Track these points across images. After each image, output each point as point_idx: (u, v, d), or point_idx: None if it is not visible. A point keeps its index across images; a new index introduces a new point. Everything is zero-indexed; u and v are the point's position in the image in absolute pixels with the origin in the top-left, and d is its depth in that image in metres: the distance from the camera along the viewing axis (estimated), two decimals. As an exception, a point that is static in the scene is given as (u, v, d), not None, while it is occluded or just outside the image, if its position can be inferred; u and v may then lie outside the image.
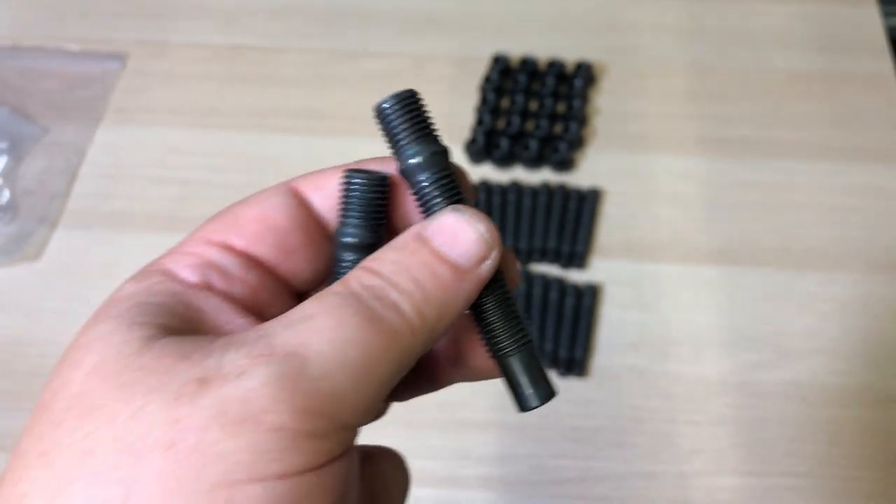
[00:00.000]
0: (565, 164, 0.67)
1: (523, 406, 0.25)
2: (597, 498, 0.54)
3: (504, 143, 0.67)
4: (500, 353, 0.25)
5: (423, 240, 0.23)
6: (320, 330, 0.20)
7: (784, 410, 0.56)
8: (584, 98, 0.71)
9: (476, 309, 0.25)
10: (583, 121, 0.69)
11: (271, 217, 0.24)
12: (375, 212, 0.25)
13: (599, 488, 0.54)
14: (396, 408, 0.58)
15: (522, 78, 0.71)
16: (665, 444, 0.55)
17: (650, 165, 0.68)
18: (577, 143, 0.68)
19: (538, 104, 0.71)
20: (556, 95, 0.71)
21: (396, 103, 0.24)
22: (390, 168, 0.25)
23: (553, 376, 0.58)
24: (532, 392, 0.25)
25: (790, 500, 0.53)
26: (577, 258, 0.63)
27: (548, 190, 0.65)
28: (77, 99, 0.73)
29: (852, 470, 0.54)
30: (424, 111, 0.25)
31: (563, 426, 0.56)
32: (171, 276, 0.23)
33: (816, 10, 0.79)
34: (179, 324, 0.21)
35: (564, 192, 0.66)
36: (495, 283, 0.24)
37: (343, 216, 0.25)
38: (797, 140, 0.70)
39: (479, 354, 0.26)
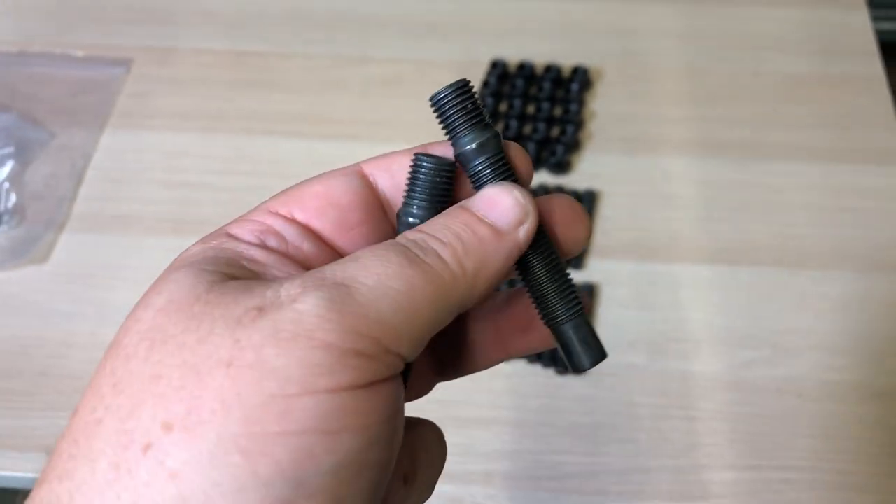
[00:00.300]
0: (562, 167, 0.68)
1: (577, 369, 0.27)
2: (596, 493, 0.55)
3: (503, 145, 0.68)
4: (553, 321, 0.26)
5: (464, 207, 0.25)
6: (366, 266, 0.22)
7: (780, 406, 0.58)
8: (581, 102, 0.72)
9: (527, 280, 0.26)
10: (579, 124, 0.71)
11: (334, 194, 0.26)
12: (440, 195, 0.26)
13: (599, 483, 0.55)
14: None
15: (520, 82, 0.73)
16: (663, 439, 0.56)
17: (646, 167, 0.70)
18: (574, 145, 0.70)
19: (535, 108, 0.72)
20: (552, 99, 0.72)
21: (451, 93, 0.26)
22: (450, 151, 0.27)
23: (552, 374, 0.59)
24: (585, 356, 0.26)
25: (786, 493, 0.54)
26: (574, 259, 0.64)
27: (545, 192, 0.67)
28: (83, 104, 0.74)
29: (847, 464, 0.55)
30: (476, 99, 0.26)
31: (563, 422, 0.57)
32: (233, 237, 0.25)
33: (809, 15, 0.81)
34: (244, 273, 0.23)
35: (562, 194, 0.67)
36: (543, 253, 0.26)
37: (408, 197, 0.26)
38: (792, 142, 0.71)
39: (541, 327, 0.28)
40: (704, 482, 0.55)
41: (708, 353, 0.60)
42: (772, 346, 0.60)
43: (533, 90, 0.74)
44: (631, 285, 0.63)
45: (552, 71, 0.74)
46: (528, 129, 0.71)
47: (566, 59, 0.76)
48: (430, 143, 0.27)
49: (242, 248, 0.24)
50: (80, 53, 0.78)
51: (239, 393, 0.19)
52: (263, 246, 0.25)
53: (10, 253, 0.65)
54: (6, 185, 0.68)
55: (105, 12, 0.82)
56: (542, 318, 0.27)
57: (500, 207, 0.25)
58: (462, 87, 0.26)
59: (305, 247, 0.25)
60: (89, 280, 0.64)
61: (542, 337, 0.27)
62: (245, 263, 0.24)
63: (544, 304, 0.26)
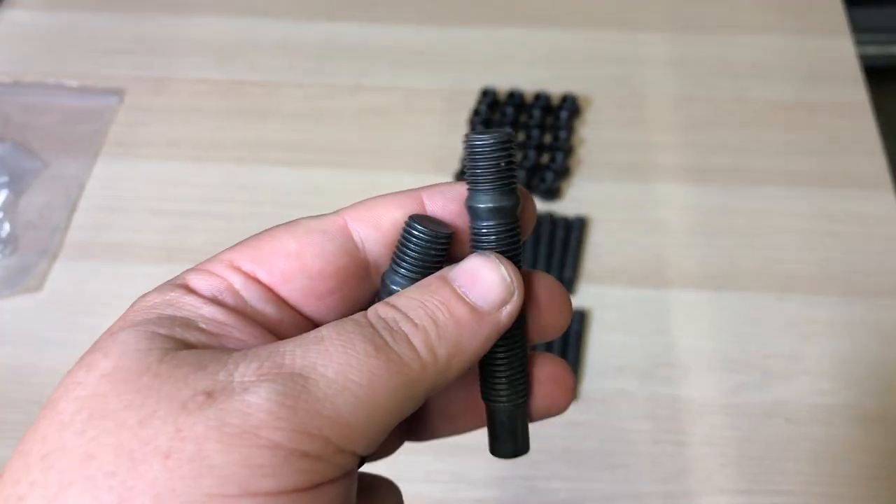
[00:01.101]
0: (552, 194, 0.69)
1: (494, 452, 0.26)
2: (588, 518, 0.55)
3: (493, 173, 0.69)
4: (492, 400, 0.25)
5: (445, 280, 0.23)
6: (328, 353, 0.20)
7: (769, 430, 0.58)
8: (570, 129, 0.73)
9: (489, 354, 0.24)
10: (569, 151, 0.72)
11: (306, 258, 0.24)
12: (431, 267, 0.24)
13: (590, 509, 0.55)
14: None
15: (510, 110, 0.74)
16: (653, 464, 0.57)
17: (635, 194, 0.71)
18: (564, 172, 0.71)
19: (525, 135, 0.73)
20: (542, 127, 0.73)
21: (490, 144, 0.24)
22: (458, 199, 0.25)
23: (543, 399, 0.60)
24: (506, 444, 0.26)
25: (776, 517, 0.55)
26: (564, 284, 0.64)
27: (536, 218, 0.67)
28: (76, 133, 0.75)
29: (835, 487, 0.56)
30: (513, 158, 0.24)
31: (554, 448, 0.58)
32: (192, 292, 0.23)
33: (793, 42, 0.82)
34: (200, 338, 0.22)
35: (552, 220, 0.68)
36: (513, 332, 0.24)
37: (395, 263, 0.24)
38: (778, 167, 0.72)
39: (541, 385, 0.27)
40: (695, 507, 0.55)
41: (697, 378, 0.60)
42: (760, 370, 0.61)
43: (523, 118, 0.75)
44: (620, 310, 0.64)
45: (542, 99, 0.75)
46: (518, 156, 0.72)
47: (555, 88, 0.77)
48: (434, 186, 0.25)
49: (201, 306, 0.23)
50: (73, 83, 0.79)
51: (174, 488, 0.18)
52: (223, 304, 0.23)
53: (4, 282, 0.65)
54: (0, 214, 0.68)
55: (98, 43, 0.83)
56: (482, 392, 0.25)
57: (484, 284, 0.23)
58: (504, 141, 0.24)
59: (268, 310, 0.24)
60: (83, 308, 0.65)
61: (531, 412, 0.27)
62: (203, 325, 0.22)
63: (492, 382, 0.25)
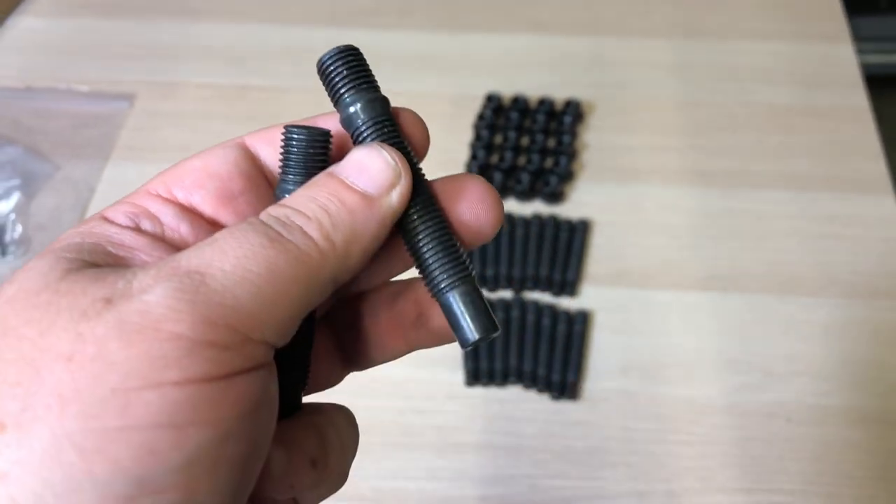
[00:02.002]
0: (556, 197, 0.70)
1: (462, 342, 0.24)
2: (590, 516, 0.56)
3: (497, 177, 0.70)
4: (437, 290, 0.24)
5: (332, 174, 0.24)
6: (222, 250, 0.21)
7: (770, 430, 0.59)
8: (573, 134, 0.74)
9: (410, 248, 0.25)
10: (572, 155, 0.73)
11: (212, 165, 0.25)
12: (316, 168, 0.24)
13: (592, 507, 0.56)
14: (396, 431, 0.60)
15: (514, 115, 0.75)
16: (655, 463, 0.58)
17: (637, 197, 0.72)
18: (567, 176, 0.71)
19: (529, 140, 0.74)
20: (546, 132, 0.74)
21: (337, 56, 0.25)
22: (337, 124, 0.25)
23: (546, 400, 0.60)
24: (469, 326, 0.24)
25: (776, 516, 0.55)
26: (568, 286, 0.65)
27: (539, 221, 0.68)
28: (87, 137, 0.76)
29: (835, 486, 0.56)
30: (365, 64, 0.25)
31: (556, 447, 0.59)
32: (107, 220, 0.24)
33: (795, 47, 0.83)
34: (107, 260, 0.22)
35: (555, 223, 0.68)
36: (427, 218, 0.24)
37: (283, 172, 0.25)
38: (779, 171, 0.73)
39: (434, 318, 0.26)
40: (696, 505, 0.56)
41: (699, 379, 0.61)
42: (761, 371, 0.61)
43: (527, 123, 0.76)
44: (623, 312, 0.65)
45: (545, 104, 0.76)
46: (522, 160, 0.73)
47: (559, 93, 0.78)
48: (313, 117, 0.26)
49: (112, 231, 0.23)
50: (84, 88, 0.80)
51: (77, 388, 0.18)
52: (137, 229, 0.23)
53: (16, 283, 0.66)
54: (12, 216, 0.69)
55: (109, 49, 0.85)
56: (429, 290, 0.25)
57: (369, 171, 0.23)
58: (349, 50, 0.25)
59: (183, 229, 0.24)
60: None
61: (437, 328, 0.26)
62: (111, 249, 0.23)
63: (428, 273, 0.24)
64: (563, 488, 0.57)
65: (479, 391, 0.61)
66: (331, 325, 0.28)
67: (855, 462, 0.57)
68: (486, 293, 0.66)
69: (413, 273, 0.27)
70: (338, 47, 0.25)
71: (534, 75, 0.81)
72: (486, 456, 0.58)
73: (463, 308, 0.24)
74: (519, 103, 0.76)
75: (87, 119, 0.78)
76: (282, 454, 0.23)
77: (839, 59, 0.82)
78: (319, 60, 0.25)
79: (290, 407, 0.25)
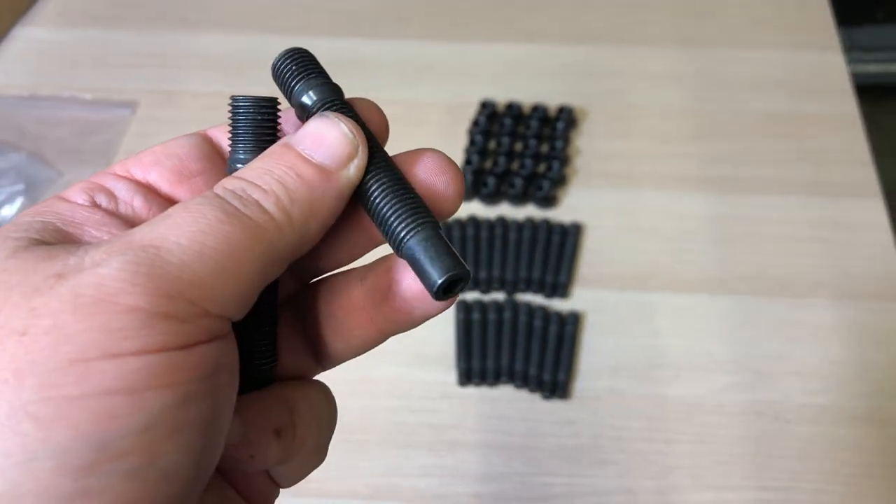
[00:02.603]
0: (548, 201, 0.71)
1: (429, 287, 0.23)
2: (580, 513, 0.57)
3: (491, 181, 0.71)
4: (400, 243, 0.23)
5: (288, 146, 0.23)
6: (178, 225, 0.20)
7: (758, 428, 0.60)
8: (566, 139, 0.75)
9: (365, 206, 0.24)
10: (564, 160, 0.74)
11: (172, 146, 0.25)
12: (265, 136, 0.24)
13: (584, 503, 0.57)
14: (391, 429, 0.61)
15: (508, 121, 0.76)
16: (644, 461, 0.58)
17: (629, 201, 0.73)
18: (560, 181, 0.73)
19: (523, 145, 0.75)
20: (539, 137, 0.75)
21: (287, 56, 0.25)
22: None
23: (538, 399, 0.61)
24: (432, 268, 0.23)
25: (764, 513, 0.56)
26: (560, 288, 0.66)
27: (532, 225, 0.69)
28: (90, 144, 0.78)
29: (822, 484, 0.57)
30: (314, 61, 0.25)
31: (547, 445, 0.59)
32: (62, 199, 0.24)
33: (786, 56, 0.84)
34: (59, 238, 0.22)
35: (548, 227, 0.70)
36: (379, 174, 0.24)
37: (232, 143, 0.24)
38: (770, 177, 0.74)
39: (405, 280, 0.25)
40: (685, 502, 0.57)
41: (688, 379, 0.62)
42: (750, 370, 0.62)
43: (521, 129, 0.77)
44: (614, 314, 0.66)
45: (539, 110, 0.77)
46: (515, 165, 0.74)
47: (552, 100, 0.80)
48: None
49: (64, 209, 0.23)
50: (87, 96, 0.82)
51: (33, 360, 0.18)
52: (91, 205, 0.23)
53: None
54: (15, 220, 0.71)
55: (111, 58, 0.86)
56: (394, 249, 0.24)
57: (327, 143, 0.23)
58: (298, 50, 0.25)
59: (137, 203, 0.24)
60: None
61: (408, 298, 0.25)
62: (61, 226, 0.22)
63: (389, 230, 0.23)
64: (554, 485, 0.58)
65: (472, 391, 0.62)
66: (296, 313, 0.27)
67: (843, 460, 0.58)
68: (479, 295, 0.67)
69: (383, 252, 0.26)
70: (287, 49, 0.25)
71: (528, 83, 0.82)
72: (479, 454, 0.59)
73: (425, 252, 0.23)
74: (513, 109, 0.78)
75: (91, 126, 0.79)
76: (237, 420, 0.23)
77: (830, 68, 0.83)
78: (272, 65, 0.25)
79: (258, 381, 0.25)
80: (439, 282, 0.22)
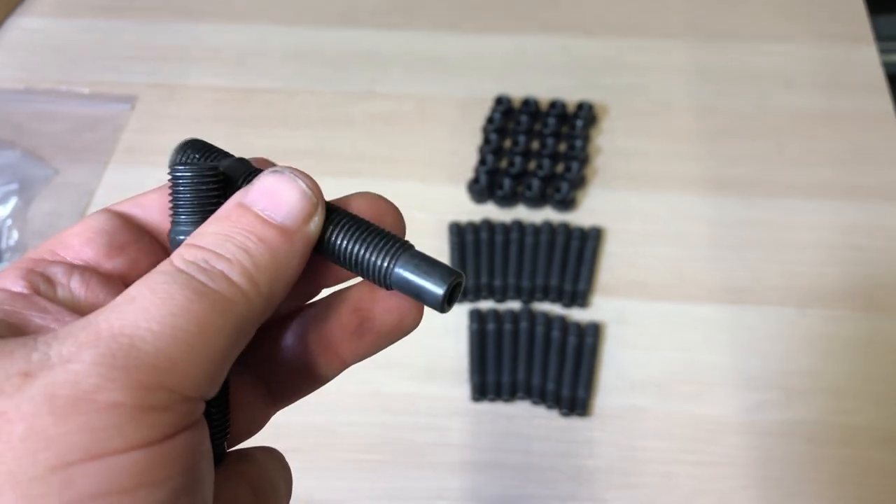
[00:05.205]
0: (567, 204, 0.68)
1: (433, 303, 0.23)
2: (601, 539, 0.53)
3: (507, 183, 0.68)
4: (385, 274, 0.23)
5: (244, 207, 0.22)
6: (146, 309, 0.19)
7: (789, 450, 0.56)
8: (586, 138, 0.72)
9: (334, 256, 0.24)
10: (584, 160, 0.70)
11: (95, 225, 0.24)
12: (209, 205, 0.23)
13: (603, 530, 0.54)
14: (401, 449, 0.58)
15: (524, 119, 0.72)
16: (669, 484, 0.55)
17: (652, 204, 0.69)
18: (579, 182, 0.69)
19: (540, 144, 0.71)
20: (557, 135, 0.72)
21: (184, 150, 0.26)
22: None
23: (556, 416, 0.58)
24: (432, 284, 0.23)
25: (796, 541, 0.53)
26: (579, 297, 0.63)
27: (550, 228, 0.66)
28: (87, 141, 0.74)
29: (859, 511, 0.54)
30: (213, 147, 0.26)
31: (566, 467, 0.56)
32: None
33: (816, 50, 0.80)
34: (5, 330, 0.21)
35: (566, 231, 0.66)
36: (339, 223, 0.23)
37: (175, 215, 0.23)
38: (799, 179, 0.70)
39: (382, 302, 0.25)
40: (712, 529, 0.53)
41: (715, 396, 0.59)
42: (780, 388, 0.59)
43: (538, 126, 0.73)
44: (637, 325, 0.62)
45: (557, 107, 0.74)
46: (532, 165, 0.70)
47: (571, 96, 0.76)
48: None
49: (2, 298, 0.22)
50: (85, 90, 0.78)
51: (9, 470, 0.17)
52: (28, 293, 0.22)
53: (11, 291, 0.64)
54: (8, 222, 0.68)
55: (111, 50, 0.83)
56: (376, 282, 0.23)
57: (286, 204, 0.22)
58: (190, 142, 0.26)
59: (74, 284, 0.23)
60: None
61: (381, 334, 0.25)
62: (6, 318, 0.21)
63: (367, 268, 0.23)
64: (573, 510, 0.55)
65: (486, 406, 0.59)
66: (248, 361, 0.26)
67: (880, 486, 0.55)
68: (493, 304, 0.63)
69: (330, 291, 0.26)
70: (179, 144, 0.26)
71: (545, 77, 0.78)
72: (494, 475, 0.56)
73: (416, 273, 0.23)
74: (529, 106, 0.74)
75: (88, 122, 0.76)
76: None
77: (862, 62, 0.79)
78: (170, 163, 0.24)
79: (215, 459, 0.24)
80: (442, 294, 0.22)
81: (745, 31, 0.82)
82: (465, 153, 0.72)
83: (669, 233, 0.67)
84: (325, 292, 0.27)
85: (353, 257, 0.23)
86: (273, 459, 0.26)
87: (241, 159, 0.25)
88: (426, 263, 0.23)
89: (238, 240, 0.22)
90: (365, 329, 0.25)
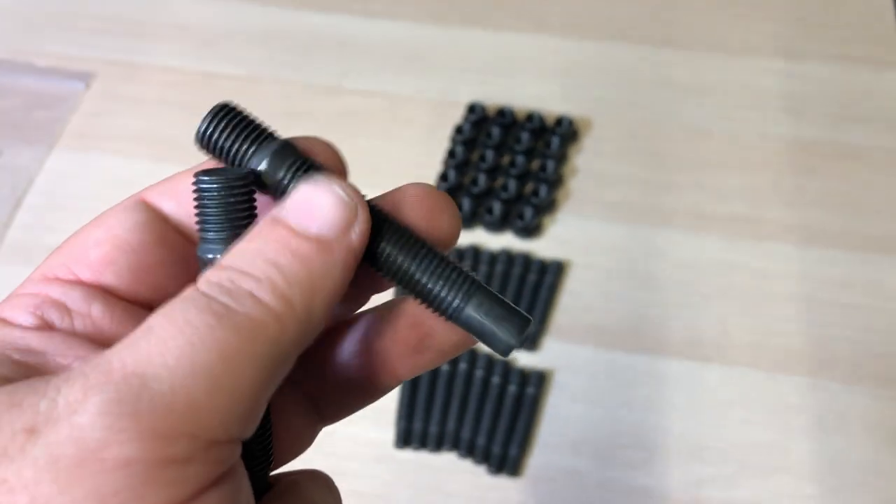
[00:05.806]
0: (530, 231, 0.62)
1: (503, 351, 0.22)
2: None
3: (467, 203, 0.62)
4: (452, 312, 0.22)
5: (276, 221, 0.20)
6: (162, 341, 0.17)
7: (734, 535, 0.51)
8: (560, 158, 0.65)
9: (397, 281, 0.22)
10: (554, 183, 0.64)
11: (119, 237, 0.22)
12: (241, 219, 0.21)
13: None
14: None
15: (496, 131, 0.66)
16: (595, 562, 0.50)
17: (624, 239, 0.63)
18: (547, 207, 0.63)
19: (510, 161, 0.65)
20: (530, 153, 0.66)
21: (215, 119, 0.22)
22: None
23: (483, 473, 0.53)
24: (502, 334, 0.22)
25: None
26: (528, 337, 0.58)
27: (508, 258, 0.61)
28: (35, 120, 0.70)
29: None
30: (247, 115, 0.22)
31: (486, 530, 0.52)
32: (5, 324, 0.20)
33: (833, 71, 0.72)
34: (16, 371, 0.18)
35: (525, 262, 0.60)
36: (401, 242, 0.22)
37: (202, 230, 0.21)
38: (792, 220, 0.63)
39: (440, 325, 0.23)
40: None
41: (660, 465, 0.53)
42: (736, 462, 0.53)
43: (510, 140, 0.67)
44: (587, 374, 0.57)
45: (534, 120, 0.67)
46: (498, 183, 0.64)
47: (553, 105, 0.69)
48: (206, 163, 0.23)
49: (16, 336, 0.20)
50: (41, 63, 0.74)
51: None
52: (42, 326, 0.20)
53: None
54: (-61, 206, 0.64)
55: (72, 20, 0.78)
56: (439, 315, 0.22)
57: (321, 211, 0.20)
58: (223, 109, 0.22)
59: (95, 311, 0.21)
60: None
61: (443, 352, 0.23)
62: (17, 357, 0.19)
63: (431, 299, 0.22)
64: (487, 581, 0.50)
65: (410, 455, 0.54)
66: (293, 378, 0.23)
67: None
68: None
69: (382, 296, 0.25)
70: (212, 111, 0.22)
71: (528, 82, 0.72)
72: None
73: (487, 318, 0.22)
74: (504, 117, 0.68)
75: (39, 99, 0.72)
76: None
77: (885, 90, 0.71)
78: (199, 132, 0.22)
79: (258, 492, 0.22)
80: (513, 343, 0.22)
81: (757, 46, 0.74)
82: (431, 164, 0.67)
83: (638, 272, 0.61)
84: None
85: (416, 284, 0.22)
86: (321, 487, 0.24)
87: (286, 144, 0.22)
88: (499, 307, 0.22)
89: (268, 255, 0.19)
90: (425, 346, 0.23)
